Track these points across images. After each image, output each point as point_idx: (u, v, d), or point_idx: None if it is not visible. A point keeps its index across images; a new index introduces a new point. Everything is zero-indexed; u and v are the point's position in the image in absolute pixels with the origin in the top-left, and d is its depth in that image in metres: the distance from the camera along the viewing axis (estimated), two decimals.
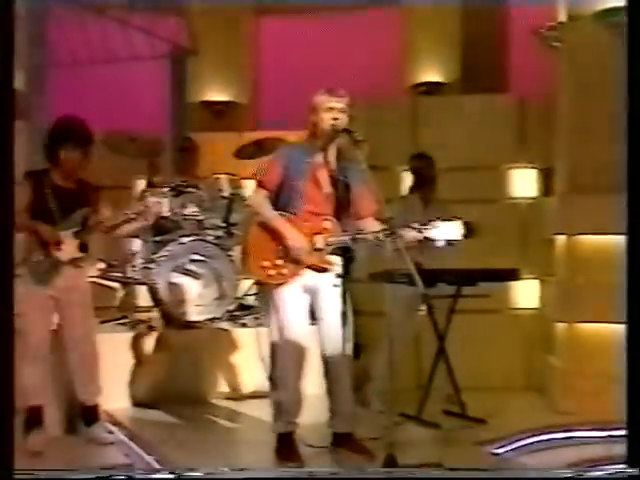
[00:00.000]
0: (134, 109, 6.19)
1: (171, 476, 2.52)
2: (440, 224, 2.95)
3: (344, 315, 2.96)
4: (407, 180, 4.39)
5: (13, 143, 2.41)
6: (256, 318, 4.41)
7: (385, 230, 2.86)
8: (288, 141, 3.34)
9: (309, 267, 3.04)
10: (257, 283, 3.19)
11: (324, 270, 3.03)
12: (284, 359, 3.05)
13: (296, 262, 3.02)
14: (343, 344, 2.99)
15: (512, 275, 4.00)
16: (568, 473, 2.46)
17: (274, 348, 3.08)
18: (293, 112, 6.17)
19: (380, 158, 4.50)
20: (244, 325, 4.39)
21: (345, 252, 3.02)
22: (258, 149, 4.83)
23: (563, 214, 4.22)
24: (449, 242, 2.99)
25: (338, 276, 2.99)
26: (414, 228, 2.94)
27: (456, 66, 6.24)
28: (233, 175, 4.68)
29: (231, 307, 4.41)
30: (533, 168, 4.89)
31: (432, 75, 6.29)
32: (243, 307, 4.59)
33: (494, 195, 4.89)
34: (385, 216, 2.91)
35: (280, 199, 3.08)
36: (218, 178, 4.60)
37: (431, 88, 6.19)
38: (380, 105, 4.96)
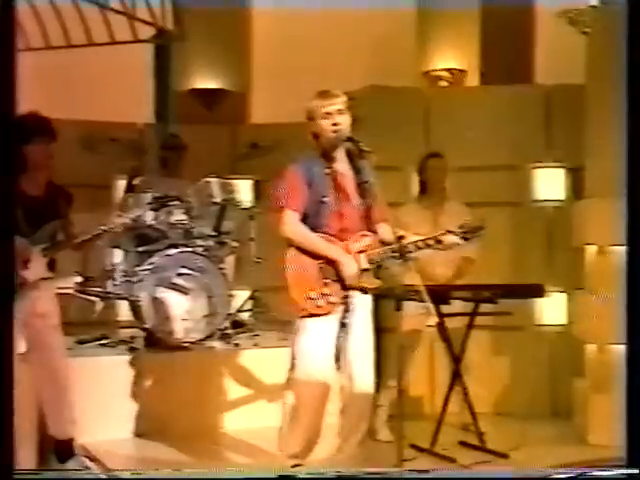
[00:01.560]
0: (113, 100, 6.20)
1: (176, 477, 2.65)
2: (454, 239, 3.03)
3: (367, 342, 3.02)
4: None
5: (13, 145, 2.55)
6: (251, 337, 4.48)
7: (398, 249, 2.90)
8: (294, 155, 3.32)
9: (357, 289, 3.03)
10: (301, 314, 3.08)
11: (367, 292, 3.05)
12: (306, 397, 3.01)
13: (343, 289, 3.01)
14: (366, 375, 3.01)
15: (537, 291, 4.01)
16: (568, 473, 2.54)
17: (295, 382, 3.05)
18: (292, 100, 6.23)
19: (388, 157, 4.51)
20: (237, 345, 4.42)
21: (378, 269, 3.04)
22: (254, 150, 4.91)
23: (595, 220, 4.22)
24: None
25: (363, 291, 3.01)
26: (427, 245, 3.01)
27: (474, 52, 6.24)
28: (225, 178, 4.72)
29: (223, 325, 4.44)
30: (561, 167, 4.88)
31: (447, 61, 6.28)
32: (236, 325, 4.64)
33: (516, 198, 4.91)
34: (395, 228, 2.95)
35: (309, 221, 3.05)
36: (208, 182, 4.62)
37: (446, 76, 6.20)
38: (388, 94, 4.99)
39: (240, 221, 4.87)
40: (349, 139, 3.01)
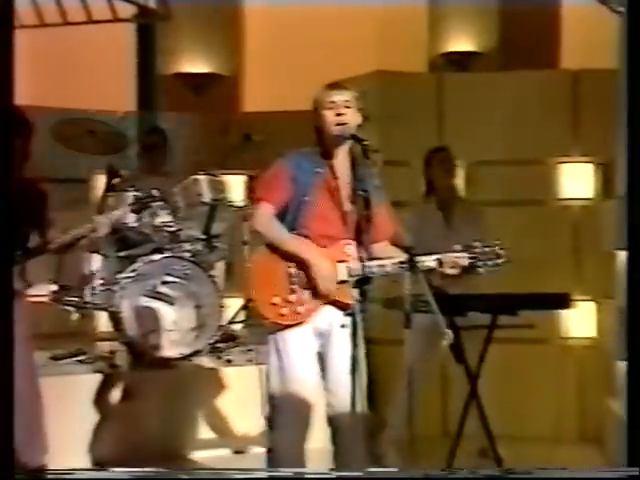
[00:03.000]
0: (91, 85, 6.22)
1: (182, 476, 2.74)
2: (480, 250, 3.02)
3: (354, 361, 2.95)
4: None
5: (13, 144, 2.61)
6: (245, 352, 4.48)
7: (405, 262, 2.91)
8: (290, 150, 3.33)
9: (330, 303, 3.05)
10: (264, 323, 3.14)
11: (346, 307, 3.03)
12: (286, 418, 3.05)
13: (314, 297, 3.03)
14: (354, 396, 2.95)
15: (562, 302, 4.01)
16: (568, 473, 2.65)
17: (274, 403, 3.09)
18: (289, 85, 6.20)
19: (396, 151, 4.53)
20: (229, 362, 4.44)
21: (362, 283, 2.99)
22: (246, 143, 4.88)
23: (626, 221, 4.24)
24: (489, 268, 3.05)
25: (347, 314, 2.98)
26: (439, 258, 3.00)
27: (493, 32, 6.19)
28: (215, 176, 4.71)
29: (213, 339, 4.45)
30: (589, 162, 4.90)
31: (462, 43, 6.24)
32: (228, 338, 4.66)
33: (539, 196, 4.93)
34: (404, 241, 2.97)
35: (287, 220, 3.07)
36: (197, 179, 4.60)
37: (461, 59, 6.19)
38: (395, 81, 4.99)
39: (232, 222, 4.87)
40: (353, 137, 3.01)
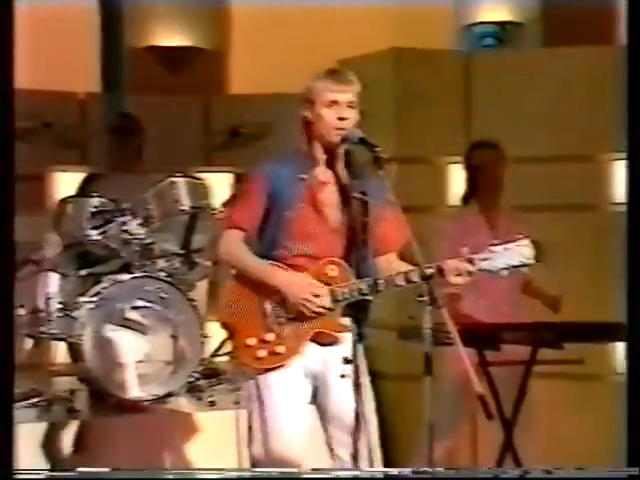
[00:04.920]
0: (46, 62, 6.12)
1: (182, 477, 2.93)
2: (499, 249, 2.99)
3: (358, 418, 2.96)
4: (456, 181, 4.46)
5: (13, 142, 2.75)
6: (231, 392, 4.39)
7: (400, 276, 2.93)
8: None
9: (313, 339, 3.06)
10: (244, 367, 3.18)
11: (335, 341, 3.05)
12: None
13: (296, 335, 3.04)
14: (356, 459, 2.97)
15: (617, 332, 3.91)
16: (568, 473, 2.83)
17: (256, 461, 3.10)
18: (285, 62, 6.16)
19: (416, 146, 4.45)
20: (212, 404, 4.37)
21: (358, 310, 3.01)
22: (234, 137, 4.94)
23: None
24: (512, 269, 3.02)
25: (347, 361, 2.97)
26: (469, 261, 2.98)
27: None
28: (196, 178, 4.66)
29: (193, 375, 4.41)
30: None
31: (497, 11, 6.24)
32: (211, 375, 4.61)
33: (589, 199, 4.91)
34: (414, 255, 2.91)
35: (265, 240, 3.11)
36: (174, 182, 4.57)
37: (495, 32, 6.13)
38: (414, 59, 4.95)
39: (216, 234, 4.79)
40: (362, 142, 2.98)
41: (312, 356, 3.06)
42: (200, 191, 4.63)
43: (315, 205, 3.07)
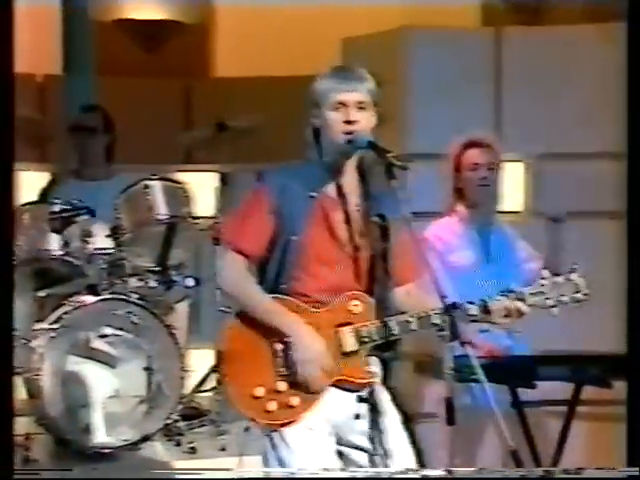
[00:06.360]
0: None
1: (182, 477, 3.16)
2: (548, 282, 3.02)
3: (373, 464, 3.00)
4: None
5: (13, 140, 2.92)
6: (215, 436, 4.45)
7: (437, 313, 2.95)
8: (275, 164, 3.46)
9: (336, 385, 3.07)
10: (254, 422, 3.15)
11: (363, 386, 3.04)
12: None
13: (313, 384, 3.07)
14: None
15: None
16: (568, 473, 3.00)
17: None
18: (279, 41, 6.11)
19: (432, 141, 4.59)
20: (193, 450, 4.39)
21: (384, 349, 3.07)
22: (219, 133, 4.83)
23: None
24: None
25: (361, 400, 3.01)
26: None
27: None
28: (176, 182, 4.72)
29: (171, 417, 4.41)
30: None
31: None
32: (192, 415, 4.65)
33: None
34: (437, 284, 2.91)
35: (270, 269, 3.09)
36: (148, 186, 4.60)
37: (526, 6, 6.09)
38: (431, 40, 4.98)
39: (198, 248, 4.92)
40: (371, 146, 2.99)
41: (333, 405, 3.05)
42: (179, 196, 4.67)
43: (330, 227, 3.09)
